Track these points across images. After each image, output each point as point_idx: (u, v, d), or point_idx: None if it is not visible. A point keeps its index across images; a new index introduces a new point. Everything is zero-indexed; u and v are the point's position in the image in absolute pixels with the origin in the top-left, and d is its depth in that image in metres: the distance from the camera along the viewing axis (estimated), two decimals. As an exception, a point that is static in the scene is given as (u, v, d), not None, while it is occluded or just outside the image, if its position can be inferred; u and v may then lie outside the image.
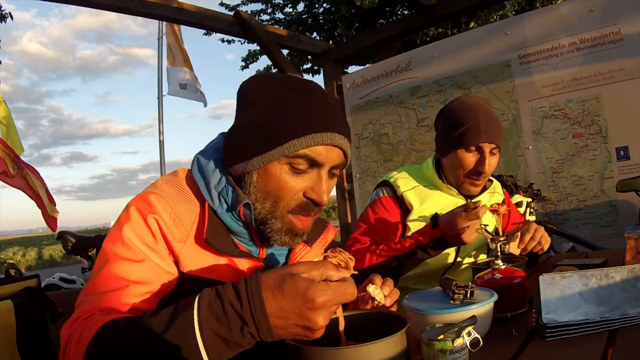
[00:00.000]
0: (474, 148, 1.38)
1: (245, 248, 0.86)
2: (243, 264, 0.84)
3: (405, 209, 1.47)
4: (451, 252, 1.48)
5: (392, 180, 1.51)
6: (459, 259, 1.51)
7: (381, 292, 0.85)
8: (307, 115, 0.79)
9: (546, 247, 1.38)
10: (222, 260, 0.83)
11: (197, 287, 0.71)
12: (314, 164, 0.80)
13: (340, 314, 0.73)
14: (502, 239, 1.13)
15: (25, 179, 3.13)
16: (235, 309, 0.61)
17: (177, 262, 0.80)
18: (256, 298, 0.61)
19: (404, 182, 1.50)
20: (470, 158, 1.39)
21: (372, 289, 0.84)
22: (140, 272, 0.75)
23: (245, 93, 0.85)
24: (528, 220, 2.03)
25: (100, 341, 0.64)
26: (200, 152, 0.89)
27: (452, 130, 1.39)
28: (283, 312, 0.61)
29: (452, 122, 1.41)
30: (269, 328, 0.61)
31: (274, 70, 7.54)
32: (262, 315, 0.60)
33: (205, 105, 7.51)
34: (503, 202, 1.62)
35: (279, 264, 0.90)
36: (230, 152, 0.83)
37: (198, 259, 0.81)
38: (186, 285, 0.79)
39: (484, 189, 1.52)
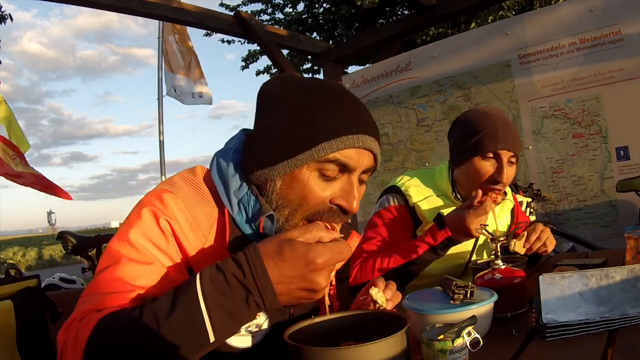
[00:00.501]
0: (491, 155, 1.30)
1: None
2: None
3: (416, 219, 1.40)
4: (465, 255, 1.43)
5: (403, 188, 1.43)
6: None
7: (383, 296, 0.84)
8: (337, 117, 0.75)
9: (550, 249, 1.35)
10: None
11: None
12: (344, 169, 0.76)
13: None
14: (502, 239, 1.13)
15: (33, 175, 3.17)
16: (238, 279, 0.61)
17: (192, 267, 0.76)
18: (258, 266, 0.62)
19: (416, 192, 1.42)
20: (487, 166, 1.31)
21: (374, 292, 0.84)
22: (147, 277, 0.71)
23: (269, 96, 0.80)
24: (535, 220, 2.02)
25: (98, 336, 0.62)
26: (220, 153, 0.84)
27: (468, 138, 1.32)
28: (286, 277, 0.62)
29: (468, 129, 1.34)
30: (273, 294, 0.62)
31: (273, 71, 7.54)
32: (266, 282, 0.61)
33: (211, 103, 7.54)
34: (512, 211, 1.57)
35: None
36: (252, 159, 0.78)
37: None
38: None
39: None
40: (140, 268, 0.72)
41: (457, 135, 1.39)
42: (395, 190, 1.45)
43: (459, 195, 1.40)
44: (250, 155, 0.79)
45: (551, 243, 1.35)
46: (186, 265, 0.76)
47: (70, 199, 3.52)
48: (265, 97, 0.81)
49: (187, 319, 0.60)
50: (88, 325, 0.64)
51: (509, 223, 1.54)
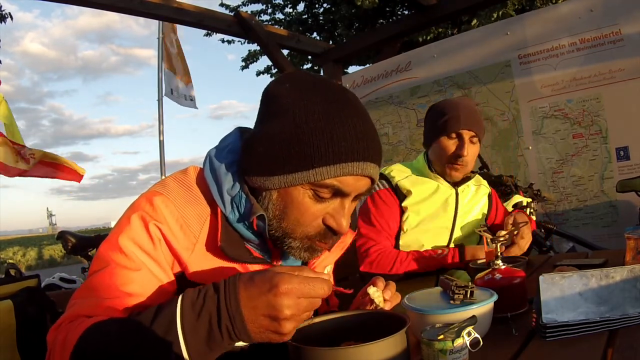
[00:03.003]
0: (454, 135, 1.51)
1: (259, 253, 0.82)
2: (257, 268, 0.79)
3: (401, 195, 1.58)
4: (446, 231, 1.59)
5: (386, 172, 1.63)
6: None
7: (381, 295, 0.84)
8: (342, 140, 0.71)
9: (525, 248, 1.46)
10: (233, 267, 0.79)
11: None
12: (338, 193, 0.75)
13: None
14: (502, 239, 1.13)
15: (43, 162, 3.18)
16: (213, 303, 0.62)
17: (183, 271, 0.76)
18: (232, 291, 0.61)
19: (398, 172, 1.63)
20: (451, 144, 1.52)
21: (372, 290, 0.84)
22: (135, 283, 0.72)
23: (276, 98, 0.76)
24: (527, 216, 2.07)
25: (86, 343, 0.63)
26: (214, 152, 0.83)
27: (436, 121, 1.54)
28: (252, 301, 0.61)
29: (436, 114, 1.56)
30: (242, 321, 0.61)
31: (274, 71, 7.54)
32: (236, 307, 0.61)
33: (196, 107, 7.57)
34: (490, 196, 1.70)
35: None
36: (251, 162, 0.77)
37: (207, 266, 0.77)
38: None
39: (468, 178, 1.61)
40: (129, 274, 0.72)
41: (429, 121, 1.62)
42: (381, 177, 1.63)
43: (435, 170, 1.60)
44: (248, 158, 0.78)
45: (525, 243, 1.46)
46: (177, 268, 0.77)
47: (79, 180, 3.56)
48: (269, 100, 0.78)
49: (165, 338, 0.61)
50: (76, 330, 0.64)
51: (485, 211, 1.67)
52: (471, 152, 1.52)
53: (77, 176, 3.52)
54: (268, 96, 0.79)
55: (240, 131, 0.86)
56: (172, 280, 0.76)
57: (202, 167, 0.84)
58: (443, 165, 1.55)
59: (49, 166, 3.29)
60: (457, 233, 1.60)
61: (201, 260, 0.77)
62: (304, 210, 0.75)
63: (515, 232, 1.38)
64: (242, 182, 0.78)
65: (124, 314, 0.70)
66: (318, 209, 0.75)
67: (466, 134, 1.50)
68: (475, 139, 1.53)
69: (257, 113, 0.81)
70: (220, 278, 0.72)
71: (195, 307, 0.62)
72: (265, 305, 0.60)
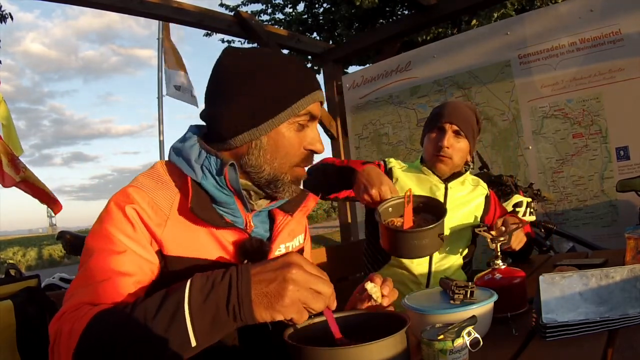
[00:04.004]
0: (436, 129, 1.60)
1: (230, 219, 0.88)
2: (227, 237, 0.86)
3: (392, 179, 1.63)
4: (425, 260, 1.58)
5: (385, 159, 1.72)
6: (433, 269, 1.59)
7: (379, 291, 0.85)
8: (303, 78, 0.88)
9: (517, 247, 1.47)
10: (206, 236, 0.85)
11: (183, 267, 0.81)
12: (312, 118, 0.90)
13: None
14: (502, 239, 1.13)
15: (27, 181, 3.16)
16: (222, 284, 0.65)
17: (160, 248, 0.82)
18: (244, 275, 0.65)
19: (395, 162, 1.71)
20: (434, 137, 1.61)
21: (370, 286, 0.84)
22: (123, 264, 0.77)
23: (236, 71, 0.88)
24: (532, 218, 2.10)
25: (91, 332, 0.65)
26: (174, 142, 0.93)
27: (428, 120, 1.67)
28: (261, 275, 0.65)
29: (430, 115, 1.68)
30: (250, 303, 0.63)
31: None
32: (246, 291, 0.64)
33: (197, 106, 7.62)
34: (487, 197, 1.71)
35: (265, 237, 0.93)
36: (226, 128, 0.86)
37: (181, 238, 0.83)
38: (171, 268, 0.81)
39: (459, 174, 1.64)
40: (116, 257, 0.77)
41: (425, 121, 1.73)
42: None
43: (427, 166, 1.66)
44: (220, 127, 0.87)
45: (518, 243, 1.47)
46: (156, 246, 0.82)
47: (59, 210, 3.51)
48: (231, 73, 0.88)
49: (171, 322, 0.63)
50: (82, 320, 0.67)
51: (479, 212, 1.68)
52: (455, 145, 1.58)
53: (56, 206, 3.48)
54: (227, 71, 0.89)
55: (196, 126, 0.96)
56: (155, 259, 0.81)
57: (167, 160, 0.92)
58: (430, 159, 1.62)
59: (30, 187, 3.27)
60: (448, 228, 1.59)
61: (174, 234, 0.82)
62: (293, 142, 0.88)
63: (503, 229, 1.38)
64: (207, 149, 0.87)
65: (122, 291, 0.75)
66: (300, 138, 0.89)
67: (448, 127, 1.57)
68: (461, 134, 1.58)
69: (207, 93, 0.92)
70: (192, 244, 0.83)
71: (203, 290, 0.64)
72: (272, 278, 0.64)
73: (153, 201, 0.82)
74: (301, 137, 0.89)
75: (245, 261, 0.84)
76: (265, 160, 0.87)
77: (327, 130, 4.51)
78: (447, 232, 1.61)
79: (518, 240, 1.45)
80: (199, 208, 0.82)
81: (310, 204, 1.01)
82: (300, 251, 1.03)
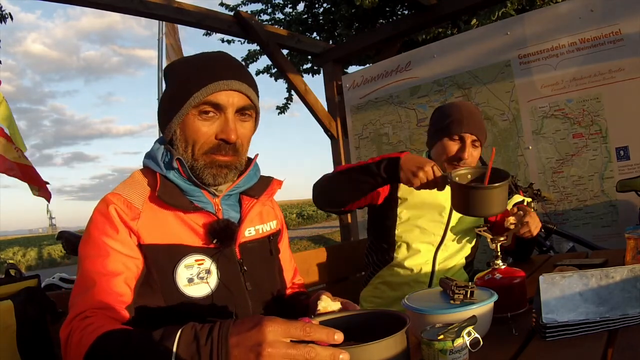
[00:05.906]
0: (457, 137, 1.56)
1: (200, 206, 0.96)
2: (197, 220, 0.95)
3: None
4: (429, 260, 1.60)
5: None
6: (436, 269, 1.61)
7: (332, 305, 0.87)
8: (206, 69, 0.94)
9: (535, 232, 1.43)
10: (175, 220, 0.94)
11: (157, 253, 0.89)
12: (217, 108, 0.94)
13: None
14: (502, 239, 1.13)
15: (20, 163, 3.21)
16: (205, 339, 0.64)
17: (138, 240, 0.90)
18: (223, 332, 0.64)
19: None
20: (453, 145, 1.57)
21: (322, 306, 0.87)
22: (111, 265, 0.86)
23: (165, 75, 1.02)
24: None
25: (95, 352, 0.72)
26: (149, 150, 1.03)
27: (440, 123, 1.60)
28: (241, 337, 0.62)
29: (440, 116, 1.61)
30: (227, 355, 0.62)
31: (273, 71, 7.55)
32: (225, 349, 0.62)
33: None
34: None
35: (236, 219, 1.01)
36: (161, 126, 0.99)
37: (152, 226, 0.91)
38: (149, 256, 0.89)
39: None
40: (103, 260, 0.86)
41: (432, 122, 1.68)
42: None
43: None
44: (161, 127, 1.00)
45: (536, 227, 1.44)
46: (135, 240, 0.90)
47: (49, 197, 3.54)
48: (164, 77, 1.03)
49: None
50: (90, 336, 0.74)
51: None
52: (473, 155, 1.57)
53: (46, 192, 3.50)
54: (164, 78, 1.03)
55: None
56: (137, 254, 0.90)
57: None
58: (442, 164, 1.59)
59: (22, 169, 3.29)
60: (453, 228, 1.62)
61: (146, 223, 0.91)
62: (197, 130, 0.94)
63: (522, 214, 1.41)
64: (167, 149, 0.98)
65: (114, 290, 0.84)
66: (209, 127, 0.95)
67: (468, 138, 1.55)
68: (477, 144, 1.58)
69: None
70: (163, 230, 0.92)
71: (189, 347, 0.65)
72: (249, 339, 0.61)
73: (127, 200, 0.92)
74: (209, 126, 0.95)
75: (215, 240, 0.93)
76: (183, 149, 0.96)
77: (327, 130, 4.51)
78: (451, 231, 1.62)
79: (535, 224, 1.44)
80: (167, 196, 0.92)
81: (275, 187, 1.09)
82: (275, 235, 1.12)
